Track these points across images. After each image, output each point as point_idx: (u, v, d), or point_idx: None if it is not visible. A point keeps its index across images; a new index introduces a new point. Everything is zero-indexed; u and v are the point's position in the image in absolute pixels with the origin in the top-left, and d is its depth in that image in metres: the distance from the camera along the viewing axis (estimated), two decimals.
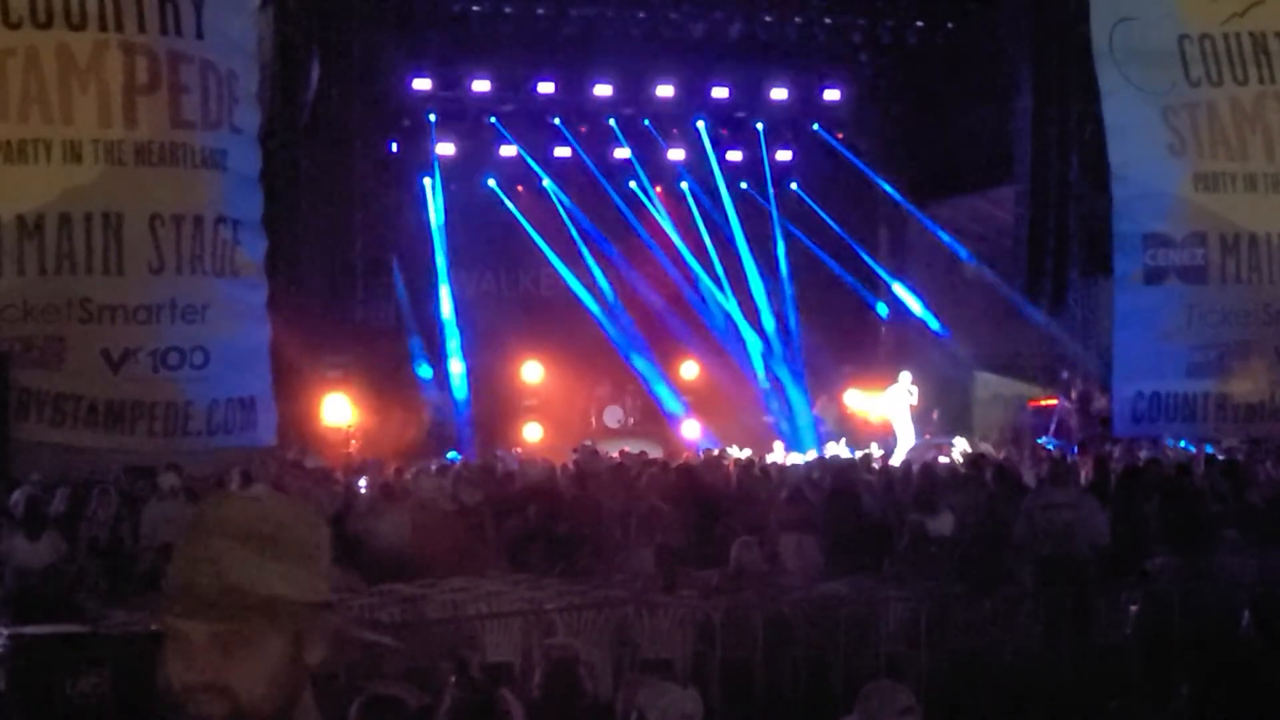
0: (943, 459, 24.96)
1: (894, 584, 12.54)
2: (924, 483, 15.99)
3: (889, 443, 29.37)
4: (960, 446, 27.29)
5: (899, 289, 34.15)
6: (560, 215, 33.62)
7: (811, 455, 26.95)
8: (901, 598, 11.88)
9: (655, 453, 26.99)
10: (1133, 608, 10.85)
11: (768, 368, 33.75)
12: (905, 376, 30.38)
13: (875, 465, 23.71)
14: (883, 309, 34.94)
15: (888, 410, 30.39)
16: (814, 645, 11.44)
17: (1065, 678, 10.12)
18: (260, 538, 2.80)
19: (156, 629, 2.91)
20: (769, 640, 11.36)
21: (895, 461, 25.67)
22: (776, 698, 11.03)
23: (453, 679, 7.12)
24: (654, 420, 33.15)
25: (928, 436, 30.25)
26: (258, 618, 2.76)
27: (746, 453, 26.03)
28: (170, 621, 2.79)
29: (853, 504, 16.43)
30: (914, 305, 33.64)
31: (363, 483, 20.72)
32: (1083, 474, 19.60)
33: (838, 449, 28.46)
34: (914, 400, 30.26)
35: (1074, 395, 28.57)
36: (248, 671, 2.78)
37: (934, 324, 33.01)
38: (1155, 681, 8.10)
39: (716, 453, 24.93)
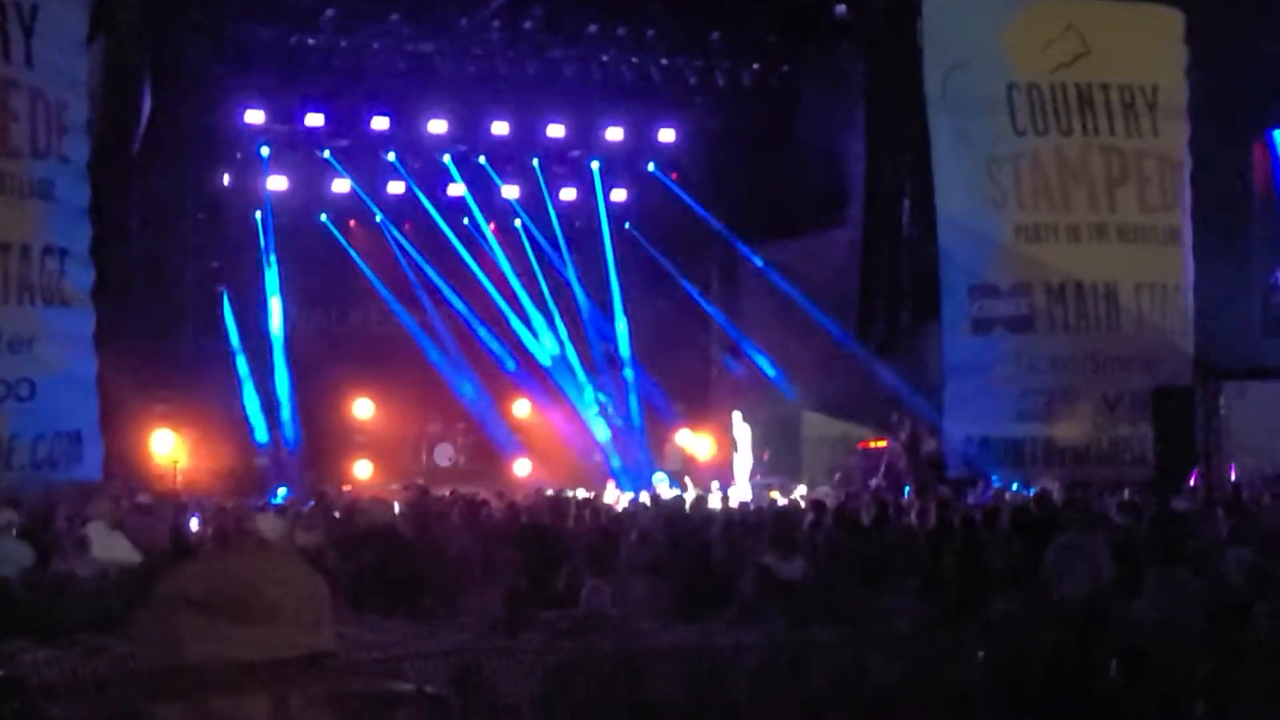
0: (780, 501, 25.13)
1: (746, 629, 12.53)
2: (779, 526, 16.04)
3: (724, 483, 29.49)
4: (801, 490, 27.48)
5: (731, 329, 34.35)
6: (393, 251, 33.39)
7: (644, 496, 26.91)
8: (756, 643, 11.88)
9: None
10: (979, 653, 10.86)
11: (598, 407, 33.71)
12: (737, 416, 30.59)
13: (714, 506, 23.77)
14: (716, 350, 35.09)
15: (734, 450, 30.57)
16: (667, 690, 11.37)
17: None
18: (221, 603, 2.63)
19: (2, 674, 2.74)
20: (622, 684, 11.29)
21: (736, 500, 25.85)
22: None
23: None
24: (485, 459, 33.02)
25: (758, 477, 30.42)
26: (225, 690, 2.60)
27: (583, 493, 25.92)
28: (140, 708, 2.63)
29: (700, 547, 16.45)
30: (746, 347, 33.83)
31: (194, 522, 20.25)
32: (913, 515, 19.73)
33: (664, 488, 28.49)
34: (745, 439, 30.51)
35: (903, 438, 28.80)
36: None
37: (765, 365, 33.20)
38: None
39: (551, 494, 24.75)
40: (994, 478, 25.65)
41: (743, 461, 30.17)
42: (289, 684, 2.66)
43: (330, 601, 2.80)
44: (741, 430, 30.32)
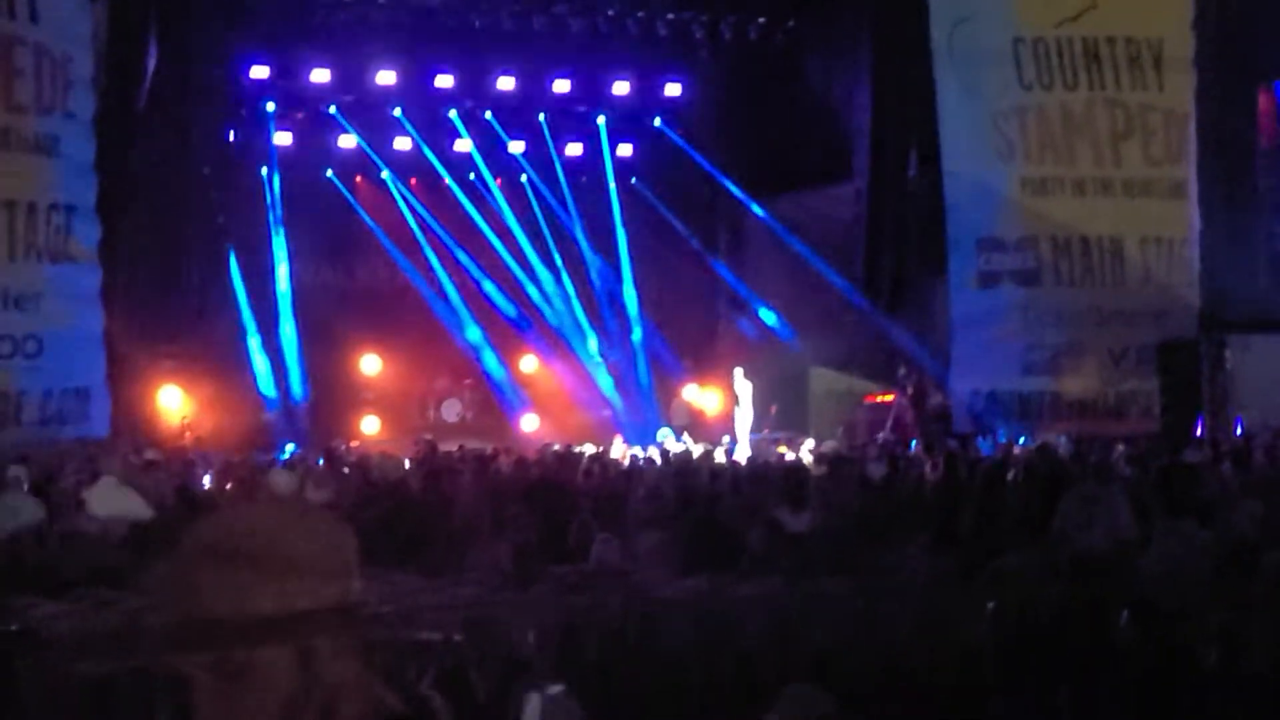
0: (788, 455, 25.12)
1: (754, 581, 12.56)
2: (791, 479, 16.04)
3: (732, 438, 29.52)
4: (809, 444, 27.44)
5: (738, 284, 34.36)
6: (399, 207, 33.37)
7: (652, 451, 26.93)
8: (763, 595, 11.91)
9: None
10: (989, 604, 10.89)
11: (606, 362, 33.79)
12: (739, 372, 30.53)
13: (722, 460, 23.81)
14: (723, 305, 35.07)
15: (736, 407, 30.52)
16: (677, 643, 11.42)
17: (936, 677, 10.19)
18: (241, 556, 2.63)
19: (15, 629, 2.75)
20: (634, 638, 11.33)
21: (739, 457, 25.83)
22: (643, 696, 11.01)
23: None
24: (492, 414, 33.07)
25: (766, 432, 30.42)
26: (248, 642, 2.60)
27: (591, 448, 25.96)
28: (163, 664, 2.63)
29: (709, 501, 16.48)
30: (753, 301, 33.84)
31: (206, 479, 20.26)
32: (927, 468, 19.76)
33: (670, 442, 28.50)
34: (746, 395, 30.45)
35: (910, 392, 28.82)
36: (257, 707, 2.61)
37: (772, 320, 33.22)
38: (1027, 682, 8.19)
39: (560, 449, 24.78)
40: (1000, 432, 25.65)
41: (744, 418, 30.12)
42: (313, 634, 2.67)
43: (357, 552, 2.80)
44: (743, 386, 30.26)
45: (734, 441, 29.09)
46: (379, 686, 2.78)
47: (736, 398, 30.41)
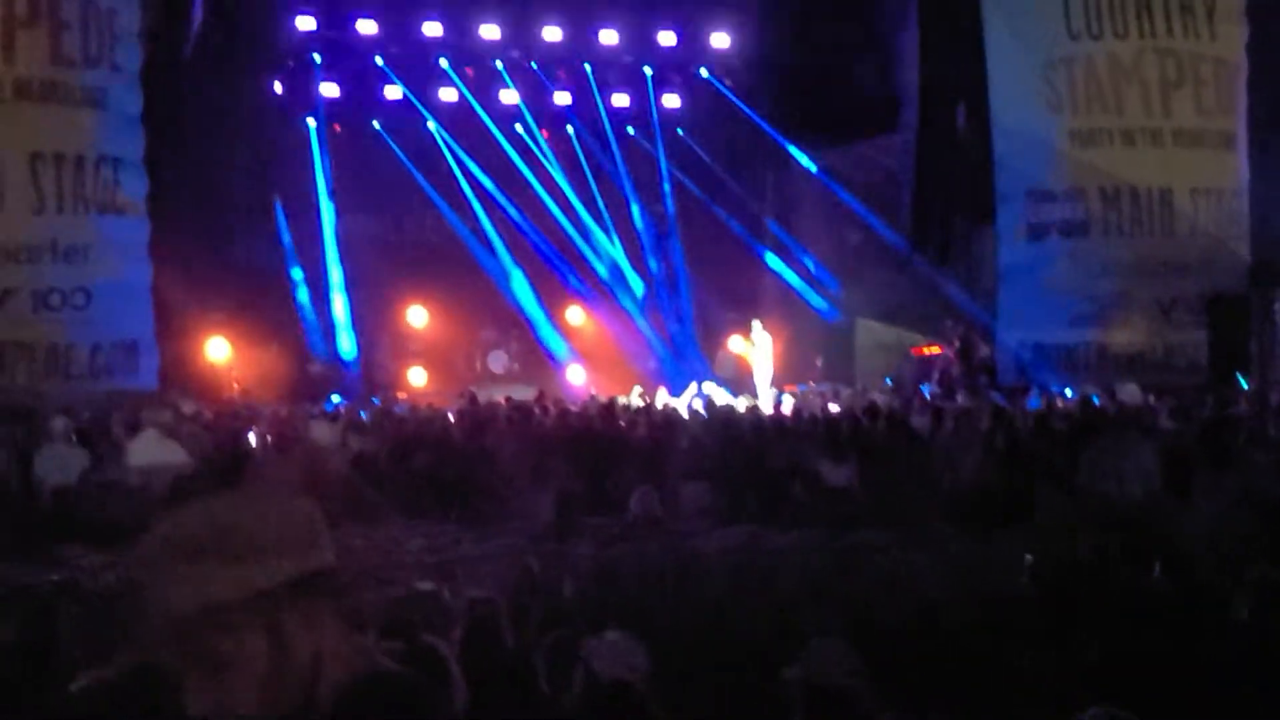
0: (833, 406, 25.05)
1: (794, 533, 12.59)
2: (830, 432, 16.06)
3: (778, 390, 29.38)
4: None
5: (784, 235, 34.25)
6: (445, 158, 33.35)
7: (696, 402, 26.85)
8: (802, 547, 11.94)
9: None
10: (1027, 556, 10.88)
11: (652, 313, 33.76)
12: (757, 324, 30.30)
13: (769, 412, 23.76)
14: (771, 258, 34.92)
15: (754, 358, 30.31)
16: (713, 593, 11.45)
17: (971, 629, 10.18)
18: (197, 549, 2.65)
19: (58, 579, 2.80)
20: (674, 588, 11.37)
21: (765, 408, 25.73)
22: (681, 645, 11.06)
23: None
24: (539, 365, 33.09)
25: (812, 384, 30.34)
26: (215, 632, 2.62)
27: (638, 399, 25.94)
28: (150, 662, 2.67)
29: (751, 452, 16.49)
30: (798, 252, 33.75)
31: (252, 435, 20.31)
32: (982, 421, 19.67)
33: (713, 391, 28.41)
34: (765, 347, 30.22)
35: (956, 344, 28.69)
36: (239, 688, 2.64)
37: (818, 270, 33.14)
38: (1061, 632, 8.17)
39: (604, 400, 24.79)
40: (1052, 386, 25.49)
41: (762, 370, 29.86)
42: (281, 610, 2.69)
43: (319, 522, 2.82)
44: (761, 338, 29.99)
45: (780, 392, 28.91)
46: (365, 646, 2.80)
47: (761, 347, 30.12)
